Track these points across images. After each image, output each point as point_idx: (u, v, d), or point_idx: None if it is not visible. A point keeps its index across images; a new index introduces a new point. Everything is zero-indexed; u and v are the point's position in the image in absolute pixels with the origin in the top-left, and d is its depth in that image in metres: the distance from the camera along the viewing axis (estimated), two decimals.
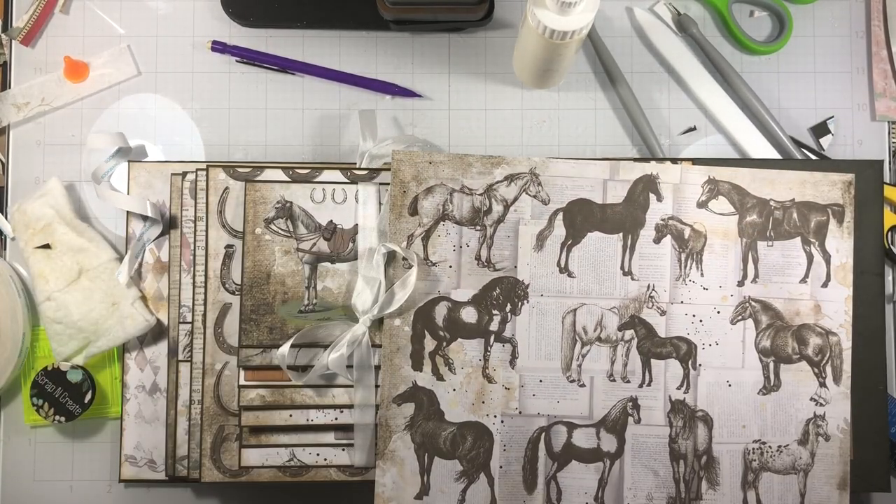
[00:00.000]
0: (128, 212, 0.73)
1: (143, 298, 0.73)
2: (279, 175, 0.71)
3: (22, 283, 0.74)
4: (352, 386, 0.69)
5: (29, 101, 0.76)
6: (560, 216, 0.71)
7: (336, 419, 0.69)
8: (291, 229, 0.70)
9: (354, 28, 0.78)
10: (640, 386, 0.70)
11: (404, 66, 0.78)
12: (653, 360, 0.71)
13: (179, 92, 0.77)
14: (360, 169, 0.72)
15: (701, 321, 0.71)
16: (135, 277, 0.73)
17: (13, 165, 0.76)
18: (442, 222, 0.70)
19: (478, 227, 0.70)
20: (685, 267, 0.71)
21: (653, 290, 0.71)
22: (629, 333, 0.71)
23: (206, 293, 0.71)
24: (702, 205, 0.71)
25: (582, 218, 0.71)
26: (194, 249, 0.72)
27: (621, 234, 0.71)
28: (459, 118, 0.77)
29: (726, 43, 0.78)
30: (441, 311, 0.70)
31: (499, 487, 0.69)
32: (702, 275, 0.71)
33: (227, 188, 0.71)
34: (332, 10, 0.77)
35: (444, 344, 0.70)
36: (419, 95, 0.77)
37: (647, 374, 0.70)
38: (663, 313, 0.71)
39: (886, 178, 0.76)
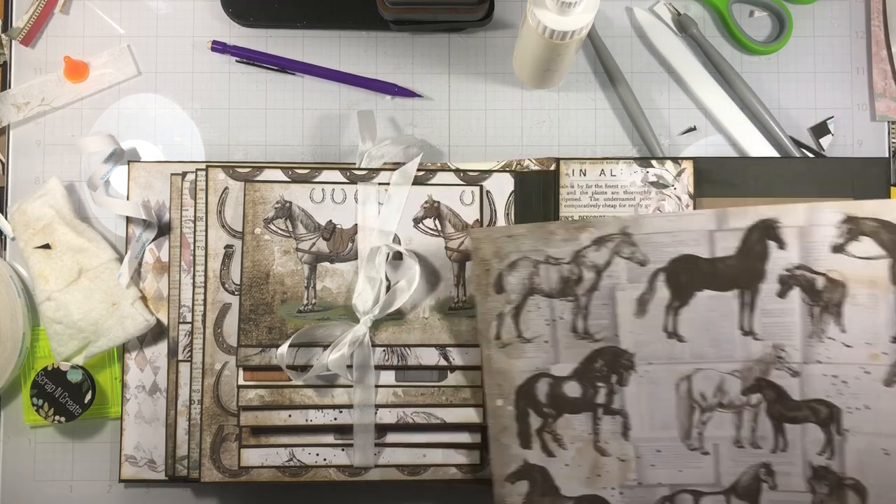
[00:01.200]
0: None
1: (143, 298, 0.73)
2: (279, 175, 0.71)
3: (22, 283, 0.74)
4: (351, 386, 0.69)
5: (29, 101, 0.76)
6: (661, 277, 0.65)
7: (336, 419, 0.69)
8: (291, 229, 0.70)
9: (354, 28, 0.78)
10: (773, 451, 0.64)
11: (404, 66, 0.78)
12: (787, 425, 0.63)
13: (179, 92, 0.77)
14: (359, 169, 0.72)
15: (845, 383, 0.62)
16: (135, 277, 0.73)
17: (13, 165, 0.77)
18: (531, 296, 0.66)
19: (570, 298, 0.66)
20: (820, 322, 0.63)
21: (781, 349, 0.63)
22: (756, 397, 0.64)
23: (205, 293, 0.71)
24: (838, 248, 0.62)
25: (687, 276, 0.64)
26: (194, 249, 0.72)
27: (737, 291, 0.64)
28: (459, 118, 0.77)
29: (726, 43, 0.78)
30: (542, 388, 0.66)
31: None
32: (843, 330, 0.62)
33: (226, 188, 0.71)
34: (332, 10, 0.77)
35: (551, 420, 0.66)
36: (419, 95, 0.77)
37: (781, 438, 0.64)
38: (795, 374, 0.63)
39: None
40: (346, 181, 0.71)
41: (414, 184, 0.71)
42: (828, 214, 0.62)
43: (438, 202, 0.71)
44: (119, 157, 0.75)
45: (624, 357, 0.65)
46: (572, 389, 0.66)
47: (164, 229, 0.74)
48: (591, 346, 0.66)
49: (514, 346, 0.66)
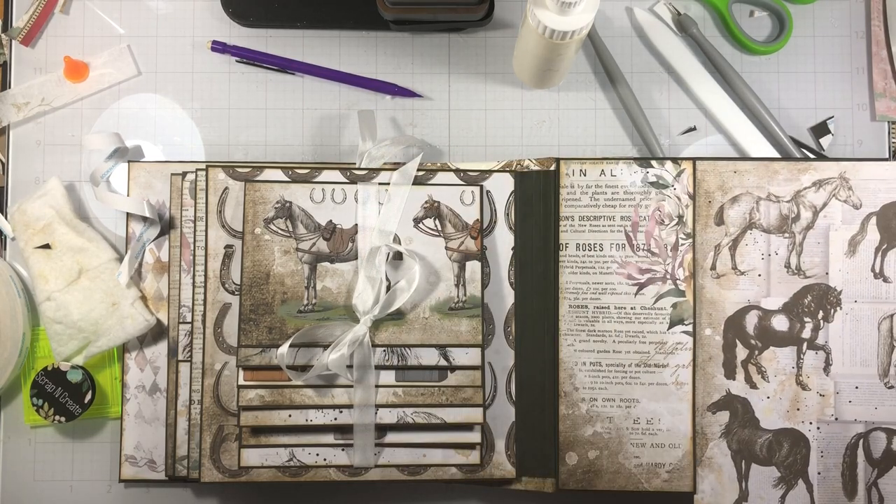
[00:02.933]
0: (127, 212, 0.73)
1: (143, 298, 0.73)
2: (279, 175, 0.71)
3: (22, 283, 0.74)
4: (351, 386, 0.69)
5: (29, 101, 0.76)
6: (873, 220, 0.70)
7: (336, 419, 0.69)
8: (291, 229, 0.70)
9: (354, 28, 0.78)
10: None
11: (404, 66, 0.78)
12: None
13: (179, 92, 0.77)
14: (359, 169, 0.72)
15: None
16: (135, 277, 0.73)
17: (13, 165, 0.77)
18: (749, 231, 0.70)
19: (786, 235, 0.70)
20: None
21: None
22: None
23: (205, 293, 0.71)
24: None
25: None
26: (194, 249, 0.72)
27: None
28: (459, 118, 0.77)
29: (726, 43, 0.78)
30: (752, 320, 0.70)
31: (818, 493, 0.69)
32: None
33: (226, 188, 0.71)
34: (332, 10, 0.77)
35: (756, 352, 0.70)
36: (419, 95, 0.77)
37: None
38: None
39: None
40: (347, 181, 0.71)
41: (414, 184, 0.71)
42: None
43: (438, 202, 0.71)
44: (122, 155, 0.75)
45: (832, 294, 0.70)
46: (780, 323, 0.70)
47: (164, 229, 0.74)
48: (802, 281, 0.70)
49: (728, 277, 0.70)
